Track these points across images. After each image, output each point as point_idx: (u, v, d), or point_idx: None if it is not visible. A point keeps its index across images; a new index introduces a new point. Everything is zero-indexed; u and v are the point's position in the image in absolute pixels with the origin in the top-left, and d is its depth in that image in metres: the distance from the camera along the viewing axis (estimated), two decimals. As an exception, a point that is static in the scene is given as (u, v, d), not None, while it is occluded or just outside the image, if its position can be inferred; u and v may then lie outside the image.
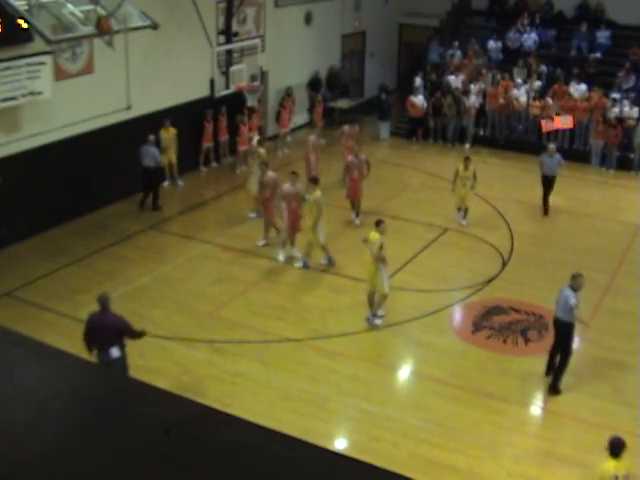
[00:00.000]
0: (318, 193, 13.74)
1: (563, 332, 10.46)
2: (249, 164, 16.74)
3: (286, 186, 14.04)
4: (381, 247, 11.83)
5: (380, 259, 11.89)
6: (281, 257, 14.24)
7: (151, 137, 16.33)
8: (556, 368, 10.63)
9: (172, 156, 17.45)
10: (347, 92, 24.27)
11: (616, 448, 7.88)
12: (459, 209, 16.14)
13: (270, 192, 14.48)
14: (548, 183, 16.91)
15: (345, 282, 13.57)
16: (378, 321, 12.19)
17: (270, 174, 14.66)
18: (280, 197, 14.09)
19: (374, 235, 11.93)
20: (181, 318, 12.23)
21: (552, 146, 17.11)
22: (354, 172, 15.84)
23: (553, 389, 10.55)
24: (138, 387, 2.81)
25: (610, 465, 7.86)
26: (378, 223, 12.09)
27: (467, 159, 16.07)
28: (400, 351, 11.94)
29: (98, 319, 9.17)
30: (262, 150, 16.43)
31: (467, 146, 21.68)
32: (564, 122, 20.24)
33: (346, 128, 18.71)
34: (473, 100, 21.55)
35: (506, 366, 11.18)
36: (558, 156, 16.80)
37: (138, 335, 9.43)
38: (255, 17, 20.38)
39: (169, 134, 17.18)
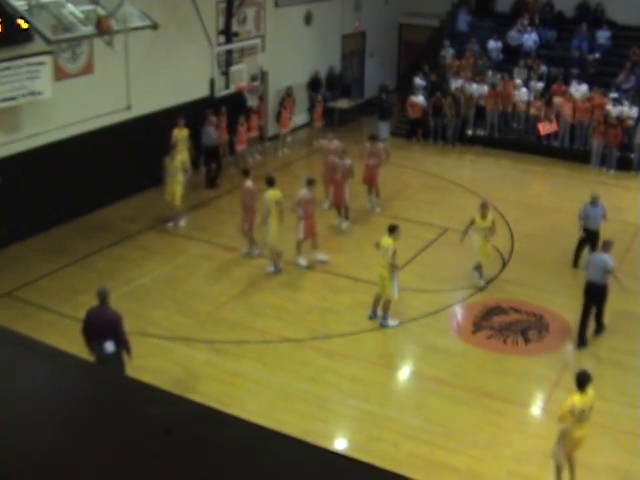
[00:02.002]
0: (267, 195, 13.35)
1: (599, 294, 11.44)
2: (171, 171, 15.30)
3: (303, 192, 13.80)
4: (394, 254, 11.53)
5: (393, 266, 11.62)
6: (302, 262, 14.03)
7: (212, 117, 17.39)
8: (597, 325, 11.75)
9: (185, 156, 17.01)
10: (349, 92, 24.29)
11: (583, 382, 8.32)
12: (477, 267, 13.37)
13: (250, 201, 14.01)
14: (592, 239, 13.65)
15: (345, 282, 13.56)
16: (393, 322, 12.09)
17: (248, 184, 14.06)
18: (296, 203, 13.69)
19: (387, 240, 11.60)
20: (181, 318, 12.23)
21: (596, 193, 14.02)
22: (337, 175, 15.57)
23: (599, 330, 11.82)
24: (138, 387, 2.81)
25: (577, 400, 8.26)
26: (392, 229, 11.68)
27: (484, 206, 13.07)
28: (400, 351, 11.95)
29: (96, 314, 9.25)
30: (179, 158, 15.51)
31: (469, 133, 21.63)
32: (549, 128, 20.32)
33: (367, 145, 16.61)
34: (475, 87, 21.51)
35: (506, 366, 11.18)
36: (602, 204, 13.87)
37: (124, 344, 9.28)
38: (255, 17, 20.39)
39: (182, 133, 16.93)
